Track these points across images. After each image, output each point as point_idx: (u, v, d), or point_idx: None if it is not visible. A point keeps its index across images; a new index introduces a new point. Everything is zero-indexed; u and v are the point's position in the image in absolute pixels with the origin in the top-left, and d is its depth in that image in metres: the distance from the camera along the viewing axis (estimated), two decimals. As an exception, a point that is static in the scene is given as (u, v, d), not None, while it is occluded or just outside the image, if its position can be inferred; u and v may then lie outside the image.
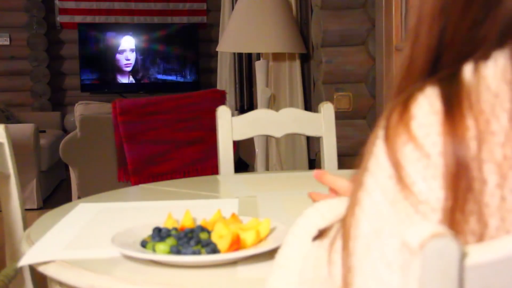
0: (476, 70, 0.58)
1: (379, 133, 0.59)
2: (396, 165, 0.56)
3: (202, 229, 1.09)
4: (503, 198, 0.54)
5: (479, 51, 0.59)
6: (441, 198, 0.54)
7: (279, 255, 0.77)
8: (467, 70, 0.58)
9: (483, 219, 0.54)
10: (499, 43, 0.59)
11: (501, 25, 0.58)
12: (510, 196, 0.54)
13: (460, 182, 0.54)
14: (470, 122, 0.55)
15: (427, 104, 0.56)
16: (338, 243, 0.62)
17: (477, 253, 0.50)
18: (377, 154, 0.58)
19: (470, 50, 0.59)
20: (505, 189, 0.54)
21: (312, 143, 3.72)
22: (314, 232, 0.72)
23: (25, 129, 4.57)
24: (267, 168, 3.60)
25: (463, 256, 0.49)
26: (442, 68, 0.60)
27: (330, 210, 0.78)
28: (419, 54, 0.62)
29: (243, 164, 4.36)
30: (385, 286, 0.54)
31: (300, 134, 2.58)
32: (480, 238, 0.54)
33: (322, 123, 2.06)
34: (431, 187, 0.54)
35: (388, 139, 0.57)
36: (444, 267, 0.48)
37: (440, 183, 0.54)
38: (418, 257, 0.48)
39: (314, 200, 1.11)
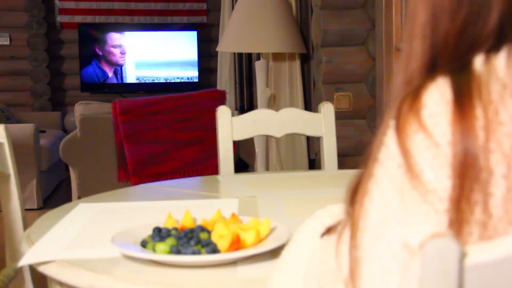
0: (487, 60, 0.58)
1: (390, 123, 0.59)
2: (406, 153, 0.56)
3: (202, 229, 1.09)
4: (508, 189, 0.54)
5: (484, 46, 0.59)
6: (448, 187, 0.54)
7: (285, 253, 0.77)
8: (478, 61, 0.58)
9: (487, 209, 0.54)
10: (497, 41, 0.59)
11: (494, 24, 0.59)
12: None
13: (467, 172, 0.54)
14: (479, 112, 0.55)
15: (438, 94, 0.57)
16: (346, 234, 0.62)
17: (477, 253, 0.50)
18: (388, 144, 0.58)
19: (465, 51, 0.60)
20: (511, 180, 0.54)
21: (312, 143, 3.72)
22: (323, 231, 0.73)
23: (25, 129, 4.57)
24: (267, 168, 3.60)
25: (462, 256, 0.49)
26: (439, 71, 0.61)
27: (341, 212, 0.77)
28: (415, 61, 0.62)
29: (243, 164, 4.36)
30: (391, 276, 0.54)
31: (300, 134, 2.58)
32: (484, 228, 0.54)
33: (322, 123, 2.06)
34: (439, 176, 0.55)
35: (399, 128, 0.57)
36: (444, 267, 0.48)
37: (448, 172, 0.55)
38: (418, 257, 0.48)
39: None
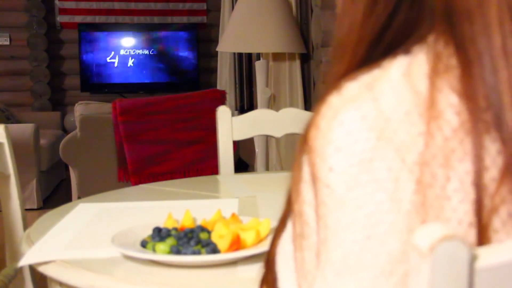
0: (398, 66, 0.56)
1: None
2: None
3: (202, 229, 1.09)
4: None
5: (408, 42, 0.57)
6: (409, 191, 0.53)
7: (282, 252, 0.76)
8: (394, 67, 0.56)
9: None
10: (428, 29, 0.57)
11: (425, 9, 0.57)
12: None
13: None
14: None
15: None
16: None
17: (488, 256, 0.49)
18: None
19: (401, 37, 0.57)
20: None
21: (312, 143, 3.71)
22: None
23: (25, 129, 4.57)
24: (267, 168, 3.60)
25: (473, 258, 0.49)
26: (377, 59, 0.58)
27: None
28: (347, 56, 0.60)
29: (243, 164, 4.36)
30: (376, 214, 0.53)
31: (300, 134, 2.57)
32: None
33: (323, 123, 2.05)
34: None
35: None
36: (454, 270, 0.48)
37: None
38: (428, 260, 0.48)
39: None
